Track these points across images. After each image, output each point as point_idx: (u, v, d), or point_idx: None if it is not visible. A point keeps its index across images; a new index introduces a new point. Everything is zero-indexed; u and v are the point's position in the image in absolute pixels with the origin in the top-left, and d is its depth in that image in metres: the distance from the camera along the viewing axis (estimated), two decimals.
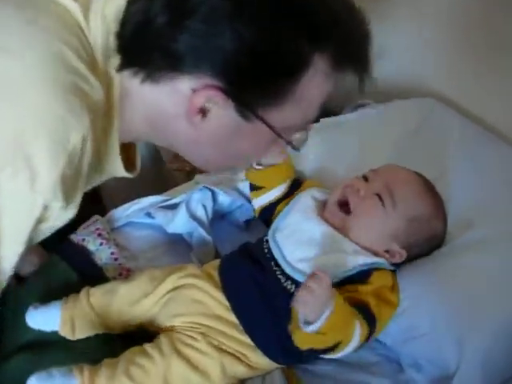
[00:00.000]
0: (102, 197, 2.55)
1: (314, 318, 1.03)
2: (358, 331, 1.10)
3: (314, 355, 1.19)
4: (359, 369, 1.20)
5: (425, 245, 1.29)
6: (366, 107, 1.89)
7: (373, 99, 1.93)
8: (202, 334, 1.17)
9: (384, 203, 1.23)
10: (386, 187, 1.25)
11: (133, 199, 1.61)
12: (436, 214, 1.29)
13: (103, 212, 1.62)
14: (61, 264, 1.40)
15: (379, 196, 1.24)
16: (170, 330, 1.20)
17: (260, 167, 1.35)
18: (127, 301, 1.25)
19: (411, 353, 1.22)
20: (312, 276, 1.05)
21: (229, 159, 1.02)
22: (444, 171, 1.52)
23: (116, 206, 1.61)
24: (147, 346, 1.17)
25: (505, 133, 1.64)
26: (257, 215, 1.43)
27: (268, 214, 1.37)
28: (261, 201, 1.40)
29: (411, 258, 1.27)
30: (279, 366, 1.21)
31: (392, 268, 1.24)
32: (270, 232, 1.28)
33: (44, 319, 1.24)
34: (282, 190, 1.38)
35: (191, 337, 1.17)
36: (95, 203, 2.48)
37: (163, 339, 1.18)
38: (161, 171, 2.32)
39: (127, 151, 1.05)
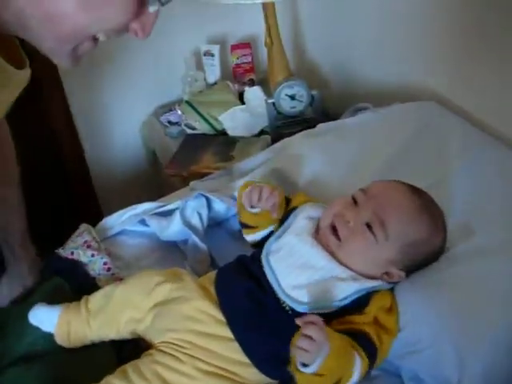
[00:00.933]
0: (98, 202, 2.55)
1: (312, 362, 1.02)
2: (358, 366, 1.08)
3: None
4: (359, 383, 1.15)
5: (424, 261, 1.24)
6: (365, 111, 1.85)
7: (372, 103, 1.90)
8: (188, 355, 1.14)
9: (375, 236, 1.17)
10: (376, 215, 1.18)
11: (130, 204, 1.60)
12: (433, 232, 1.22)
13: (100, 217, 1.61)
14: (53, 277, 1.38)
15: (369, 227, 1.18)
16: (158, 347, 1.18)
17: (254, 210, 1.31)
18: (122, 303, 1.24)
19: (412, 367, 1.18)
20: (308, 323, 1.03)
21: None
22: (445, 176, 1.48)
23: (113, 211, 1.60)
24: (129, 369, 1.14)
25: (507, 137, 1.61)
26: (251, 245, 1.38)
27: (261, 244, 1.30)
28: (253, 237, 1.36)
29: (409, 273, 1.23)
30: (274, 381, 1.18)
31: (390, 286, 1.21)
32: (264, 253, 1.24)
33: (44, 317, 1.25)
34: (274, 227, 1.33)
35: (176, 358, 1.14)
36: (92, 208, 2.49)
37: (146, 361, 1.16)
38: (158, 176, 2.31)
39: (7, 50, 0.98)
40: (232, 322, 1.16)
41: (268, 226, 1.33)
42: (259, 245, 1.31)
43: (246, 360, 1.14)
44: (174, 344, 1.16)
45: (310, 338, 1.01)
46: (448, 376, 1.13)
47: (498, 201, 1.39)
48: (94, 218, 1.61)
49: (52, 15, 0.86)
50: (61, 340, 1.24)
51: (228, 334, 1.15)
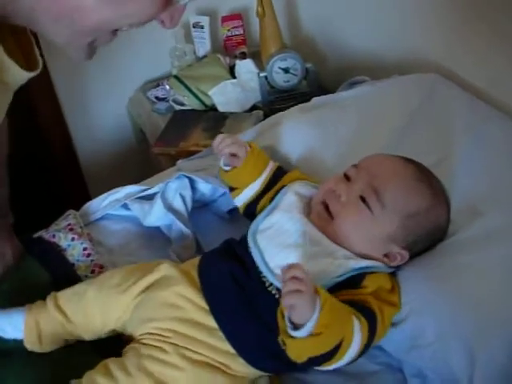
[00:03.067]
0: (85, 183, 2.47)
1: (307, 317, 0.93)
2: (358, 326, 1.00)
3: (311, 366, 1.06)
4: (356, 378, 1.08)
5: (427, 239, 1.16)
6: (362, 84, 1.78)
7: (370, 76, 1.83)
8: (172, 344, 1.07)
9: (370, 207, 1.11)
10: (370, 186, 1.12)
11: (118, 185, 1.54)
12: (434, 203, 1.14)
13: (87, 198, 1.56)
14: (32, 263, 1.33)
15: (363, 198, 1.12)
16: (140, 340, 1.11)
17: (226, 168, 1.29)
18: (96, 305, 1.16)
19: (415, 362, 1.09)
20: (289, 276, 0.95)
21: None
22: (449, 153, 1.40)
23: (101, 192, 1.54)
24: (112, 364, 1.07)
25: None
26: (242, 213, 1.34)
27: (252, 211, 1.27)
28: (240, 200, 1.32)
29: (413, 256, 1.15)
30: (264, 373, 1.11)
31: (390, 270, 1.13)
32: (250, 232, 1.17)
33: (4, 324, 1.15)
34: (257, 187, 1.29)
35: (161, 349, 1.07)
36: (79, 189, 2.41)
37: (129, 356, 1.09)
38: (147, 155, 2.24)
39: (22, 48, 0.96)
40: (215, 310, 1.09)
41: (246, 185, 1.29)
42: (249, 213, 1.28)
43: (233, 350, 1.07)
44: (156, 334, 1.10)
45: (297, 290, 0.93)
46: (457, 373, 1.04)
47: (508, 179, 1.31)
48: (82, 199, 1.56)
49: (72, 10, 0.83)
50: (31, 345, 1.15)
51: (212, 322, 1.09)
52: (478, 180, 1.32)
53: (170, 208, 1.39)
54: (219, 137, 1.28)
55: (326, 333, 0.95)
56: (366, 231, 1.11)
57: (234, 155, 1.27)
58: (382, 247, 1.11)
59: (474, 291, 1.08)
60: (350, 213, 1.12)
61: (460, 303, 1.07)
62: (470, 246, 1.15)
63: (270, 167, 1.31)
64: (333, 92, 1.82)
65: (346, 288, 1.07)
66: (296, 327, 0.94)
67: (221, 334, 1.07)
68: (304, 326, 0.93)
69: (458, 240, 1.18)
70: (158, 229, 1.43)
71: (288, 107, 1.72)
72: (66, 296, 1.18)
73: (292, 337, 0.95)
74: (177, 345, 1.07)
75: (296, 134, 1.51)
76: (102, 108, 2.39)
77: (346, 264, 1.08)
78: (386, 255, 1.12)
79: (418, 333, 1.08)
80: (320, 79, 2.11)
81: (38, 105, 2.25)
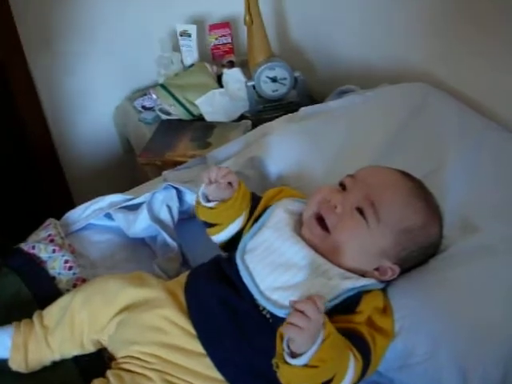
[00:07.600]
0: (70, 193, 2.43)
1: (305, 348, 0.90)
2: (352, 365, 0.96)
3: None
4: None
5: (420, 255, 1.13)
6: (351, 94, 1.75)
7: (359, 84, 1.81)
8: (156, 371, 1.03)
9: (367, 219, 1.08)
10: (366, 198, 1.09)
11: (103, 194, 1.50)
12: (429, 220, 1.12)
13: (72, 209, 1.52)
14: (9, 276, 1.28)
15: (360, 210, 1.08)
16: (122, 364, 1.07)
17: (210, 204, 1.20)
18: (84, 311, 1.13)
19: (407, 380, 1.07)
20: (298, 308, 0.91)
21: None
22: (441, 164, 1.38)
23: (86, 202, 1.50)
24: None
25: (506, 120, 1.51)
26: (220, 249, 1.26)
27: (234, 247, 1.18)
28: (220, 238, 1.24)
29: (405, 271, 1.12)
30: None
31: (382, 286, 1.10)
32: (238, 253, 1.12)
33: None
34: (241, 222, 1.22)
35: (145, 376, 1.04)
36: (63, 200, 2.37)
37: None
38: (133, 165, 2.21)
39: None
40: (203, 335, 1.05)
41: (231, 221, 1.21)
42: (230, 247, 1.20)
43: (221, 377, 1.03)
44: (139, 359, 1.06)
45: (304, 314, 0.89)
46: None
47: (501, 190, 1.29)
48: (66, 208, 1.52)
49: None
50: (17, 366, 1.11)
51: (199, 348, 1.04)
52: (471, 192, 1.30)
53: (155, 219, 1.36)
54: (214, 168, 1.18)
55: (322, 367, 0.91)
56: (361, 244, 1.08)
57: (229, 184, 1.18)
58: (374, 261, 1.09)
59: (466, 308, 1.06)
60: (347, 224, 1.09)
61: (452, 320, 1.05)
62: (463, 261, 1.13)
63: (249, 201, 1.25)
64: (322, 101, 1.80)
65: (342, 312, 1.03)
66: (293, 354, 0.91)
67: (208, 360, 1.03)
68: (301, 357, 0.90)
69: (450, 255, 1.16)
70: (142, 240, 1.41)
71: (276, 117, 1.70)
72: (51, 313, 1.15)
73: (287, 363, 0.92)
74: (161, 371, 1.04)
75: (285, 144, 1.49)
76: (88, 117, 2.35)
77: (341, 284, 1.05)
78: (376, 269, 1.09)
79: (410, 350, 1.05)
80: (309, 88, 2.09)
81: (23, 113, 2.21)
